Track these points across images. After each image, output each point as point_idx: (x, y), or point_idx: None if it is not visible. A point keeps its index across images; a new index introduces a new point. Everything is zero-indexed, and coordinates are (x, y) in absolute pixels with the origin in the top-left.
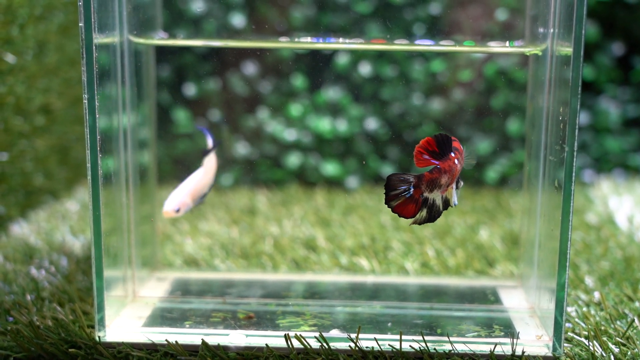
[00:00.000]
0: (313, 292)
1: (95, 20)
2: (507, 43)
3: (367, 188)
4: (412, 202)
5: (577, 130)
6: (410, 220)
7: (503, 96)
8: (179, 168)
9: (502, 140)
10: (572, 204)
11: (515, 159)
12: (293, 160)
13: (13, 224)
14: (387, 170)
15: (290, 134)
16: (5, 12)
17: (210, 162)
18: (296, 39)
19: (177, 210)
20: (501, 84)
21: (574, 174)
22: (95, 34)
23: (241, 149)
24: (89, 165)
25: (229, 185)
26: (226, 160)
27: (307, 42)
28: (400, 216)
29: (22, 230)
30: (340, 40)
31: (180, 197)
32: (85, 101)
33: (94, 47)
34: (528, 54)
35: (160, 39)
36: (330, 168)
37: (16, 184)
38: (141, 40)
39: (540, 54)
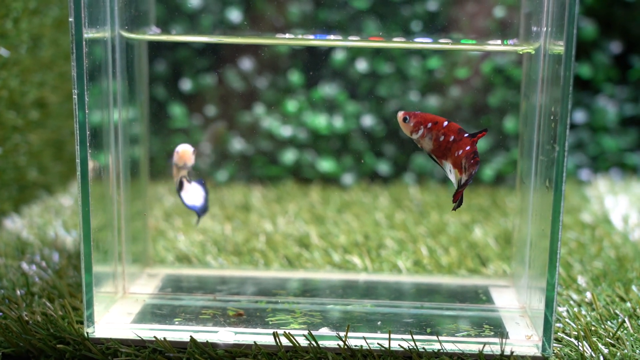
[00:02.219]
0: (304, 289)
1: (86, 15)
2: (501, 41)
3: (363, 185)
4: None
5: (568, 130)
6: (453, 205)
7: (500, 94)
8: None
9: (499, 138)
10: (562, 203)
11: (511, 157)
12: (289, 156)
13: (6, 218)
14: (382, 167)
15: (286, 130)
16: None
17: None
18: (287, 35)
19: None
20: (497, 82)
21: (564, 174)
22: (85, 29)
23: (237, 144)
24: (78, 160)
25: (223, 181)
26: (221, 156)
27: (304, 39)
28: (454, 202)
29: (14, 224)
30: (332, 37)
31: None
32: (75, 96)
33: (84, 42)
34: (521, 52)
35: (153, 34)
36: (325, 165)
37: (10, 178)
38: (132, 36)
39: (533, 52)
